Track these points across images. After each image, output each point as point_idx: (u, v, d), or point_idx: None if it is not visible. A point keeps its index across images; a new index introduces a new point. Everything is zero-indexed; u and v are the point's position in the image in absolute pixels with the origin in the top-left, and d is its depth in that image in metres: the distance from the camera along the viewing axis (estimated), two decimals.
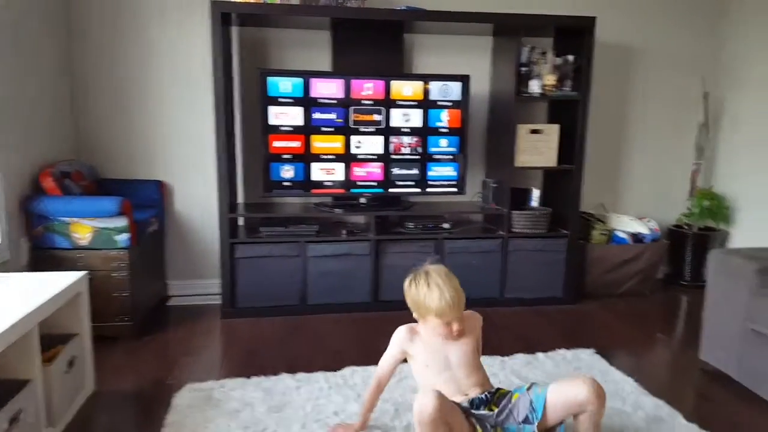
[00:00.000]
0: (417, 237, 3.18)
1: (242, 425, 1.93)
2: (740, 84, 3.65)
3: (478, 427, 1.60)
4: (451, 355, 1.78)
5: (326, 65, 3.31)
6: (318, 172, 3.16)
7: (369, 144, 3.18)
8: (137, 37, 3.14)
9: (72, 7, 3.06)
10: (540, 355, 2.53)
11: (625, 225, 3.54)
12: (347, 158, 3.17)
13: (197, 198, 3.34)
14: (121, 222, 2.61)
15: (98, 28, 3.10)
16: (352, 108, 3.11)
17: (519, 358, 2.49)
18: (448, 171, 3.30)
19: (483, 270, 3.24)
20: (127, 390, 2.23)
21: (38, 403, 1.75)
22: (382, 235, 3.13)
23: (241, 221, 3.33)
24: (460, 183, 3.31)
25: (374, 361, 2.41)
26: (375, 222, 3.12)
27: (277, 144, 3.08)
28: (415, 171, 3.26)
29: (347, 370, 2.35)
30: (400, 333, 1.86)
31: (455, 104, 3.22)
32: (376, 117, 3.15)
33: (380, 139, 3.18)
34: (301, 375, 2.30)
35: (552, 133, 3.25)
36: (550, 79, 3.18)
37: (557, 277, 3.33)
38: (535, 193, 3.47)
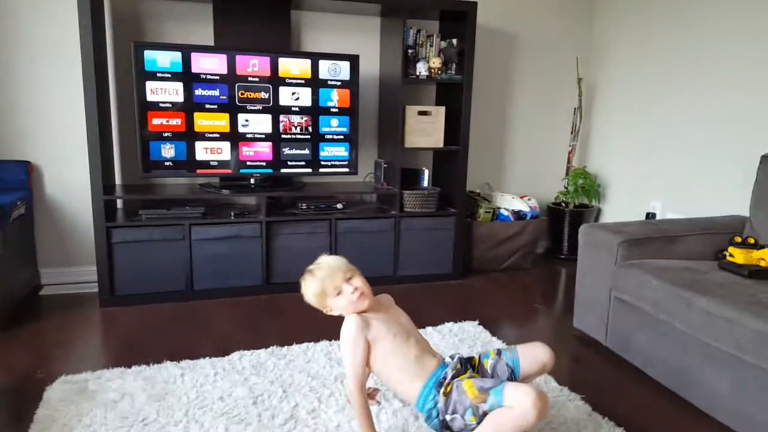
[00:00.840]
0: (310, 218, 3.15)
1: (120, 416, 1.83)
2: (610, 68, 3.90)
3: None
4: (401, 318, 1.78)
5: (209, 40, 3.16)
6: (202, 151, 3.02)
7: (257, 123, 3.08)
8: None
9: None
10: (429, 328, 2.60)
11: (508, 203, 3.73)
12: (234, 137, 3.06)
13: (70, 180, 3.08)
14: None
15: None
16: (237, 85, 3.00)
17: None
18: (340, 151, 3.28)
19: (376, 249, 3.28)
20: None
21: None
22: (274, 216, 3.07)
23: (120, 204, 3.12)
24: (353, 163, 3.31)
25: (264, 344, 2.38)
26: (266, 203, 3.05)
27: (156, 121, 2.90)
28: (306, 151, 3.22)
29: (235, 355, 2.29)
30: (352, 323, 1.66)
31: (345, 84, 3.20)
32: (264, 95, 3.06)
33: (268, 117, 3.10)
34: (185, 362, 2.21)
35: (439, 114, 3.34)
36: (436, 62, 3.26)
37: (446, 254, 3.44)
38: (426, 174, 3.56)
